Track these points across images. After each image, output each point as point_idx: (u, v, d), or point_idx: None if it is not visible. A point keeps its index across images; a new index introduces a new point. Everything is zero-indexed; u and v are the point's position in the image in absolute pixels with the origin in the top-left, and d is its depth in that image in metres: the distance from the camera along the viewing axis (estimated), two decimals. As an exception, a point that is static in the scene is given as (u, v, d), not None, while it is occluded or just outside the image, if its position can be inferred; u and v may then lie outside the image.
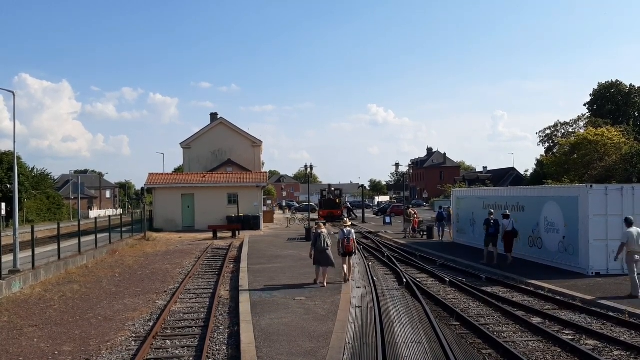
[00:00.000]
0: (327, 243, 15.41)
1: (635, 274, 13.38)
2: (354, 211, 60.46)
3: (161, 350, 9.85)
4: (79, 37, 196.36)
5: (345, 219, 21.34)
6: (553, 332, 10.27)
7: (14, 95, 18.27)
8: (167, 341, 10.44)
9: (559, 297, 13.62)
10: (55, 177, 76.59)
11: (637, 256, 13.38)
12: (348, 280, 15.69)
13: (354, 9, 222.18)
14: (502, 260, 19.44)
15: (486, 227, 20.22)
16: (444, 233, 30.09)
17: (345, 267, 15.78)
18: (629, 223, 13.76)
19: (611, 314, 11.68)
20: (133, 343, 10.38)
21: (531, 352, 9.36)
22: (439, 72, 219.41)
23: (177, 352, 9.76)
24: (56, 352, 9.79)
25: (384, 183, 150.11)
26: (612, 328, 10.82)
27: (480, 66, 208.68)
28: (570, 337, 10.09)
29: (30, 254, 17.84)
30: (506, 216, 19.99)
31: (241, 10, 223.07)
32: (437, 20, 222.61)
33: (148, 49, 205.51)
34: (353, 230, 16.18)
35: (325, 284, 15.05)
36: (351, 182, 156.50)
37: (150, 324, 11.70)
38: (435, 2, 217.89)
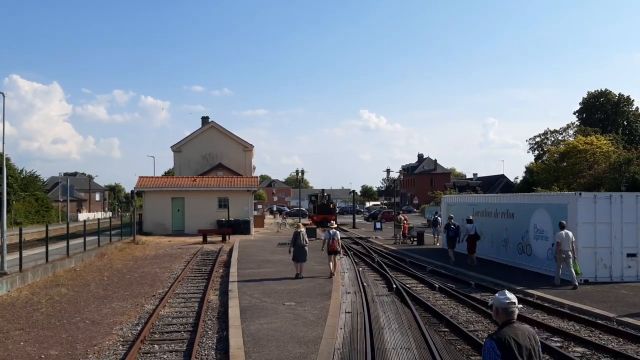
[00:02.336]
0: (305, 240, 17.74)
1: (561, 268, 16.14)
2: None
3: (149, 355, 9.78)
4: (70, 38, 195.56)
5: (332, 221, 21.93)
6: (542, 340, 10.30)
7: (3, 96, 18.18)
8: (155, 346, 10.37)
9: (547, 304, 13.68)
10: (45, 179, 75.92)
11: (564, 255, 15.87)
12: (333, 275, 17.55)
13: (346, 15, 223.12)
14: (463, 260, 21.55)
15: (447, 232, 22.66)
16: (439, 239, 30.12)
17: (331, 264, 17.95)
18: (561, 226, 16.22)
19: (599, 322, 11.75)
20: (121, 347, 10.30)
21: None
22: (431, 80, 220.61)
23: (165, 356, 9.69)
24: (43, 356, 9.69)
25: (375, 189, 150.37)
26: (600, 335, 10.88)
27: (473, 74, 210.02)
28: (559, 344, 10.13)
29: (18, 256, 17.68)
30: (470, 221, 21.79)
31: (235, 15, 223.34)
32: (429, 29, 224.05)
33: (140, 52, 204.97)
34: (338, 232, 18.54)
35: (303, 276, 17.38)
36: (342, 188, 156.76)
37: (139, 328, 11.62)
38: (427, 10, 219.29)
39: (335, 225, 19.49)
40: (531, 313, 12.98)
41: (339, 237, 18.30)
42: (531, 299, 14.34)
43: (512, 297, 4.27)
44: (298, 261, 17.74)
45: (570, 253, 15.82)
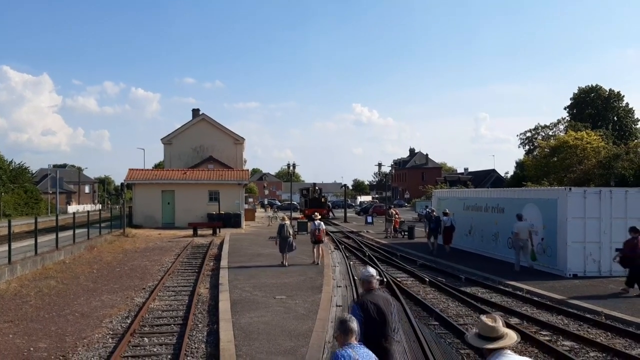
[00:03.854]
0: (289, 232, 18.99)
1: (521, 255, 17.96)
2: (333, 210, 60.44)
3: (139, 348, 9.75)
4: (60, 30, 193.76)
5: (316, 214, 22.58)
6: (530, 333, 10.37)
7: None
8: (145, 339, 10.34)
9: (536, 298, 13.77)
10: (34, 171, 75.34)
11: (521, 244, 17.73)
12: (317, 263, 18.95)
13: (339, 10, 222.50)
14: (442, 251, 22.97)
15: (428, 223, 24.31)
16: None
17: (316, 252, 19.36)
18: (519, 218, 18.15)
19: (588, 316, 11.84)
20: (110, 340, 10.26)
21: (509, 352, 9.43)
22: (424, 74, 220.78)
23: (155, 349, 9.67)
24: (31, 349, 9.63)
25: (366, 183, 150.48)
26: (589, 329, 10.97)
27: (465, 69, 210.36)
28: (547, 338, 10.20)
29: (7, 248, 17.53)
30: (446, 214, 23.54)
31: (228, 8, 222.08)
32: (422, 24, 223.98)
33: (131, 43, 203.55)
34: (322, 223, 20.15)
35: (287, 265, 18.51)
36: (335, 182, 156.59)
37: (128, 321, 11.58)
38: (420, 6, 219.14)
39: (319, 217, 20.97)
40: (520, 307, 13.06)
41: (324, 228, 19.98)
42: (520, 293, 14.42)
43: (373, 272, 5.85)
44: (283, 251, 18.90)
45: (528, 242, 17.72)
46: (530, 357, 9.04)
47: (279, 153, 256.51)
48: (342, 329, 4.42)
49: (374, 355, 4.33)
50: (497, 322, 3.52)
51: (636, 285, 13.98)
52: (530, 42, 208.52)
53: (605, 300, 13.24)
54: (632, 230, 14.42)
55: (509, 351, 3.43)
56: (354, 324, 4.43)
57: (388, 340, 5.44)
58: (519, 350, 9.48)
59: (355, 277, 16.54)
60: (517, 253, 18.12)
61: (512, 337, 3.49)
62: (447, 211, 23.88)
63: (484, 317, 3.63)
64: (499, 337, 3.45)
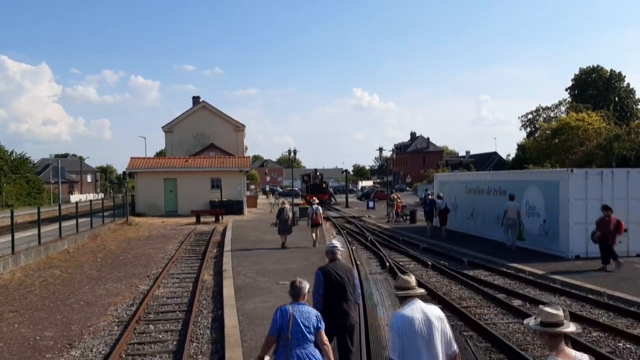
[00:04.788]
0: (288, 215, 20.06)
1: (510, 233, 18.73)
2: (334, 195, 60.50)
3: (144, 335, 9.82)
4: (57, 18, 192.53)
5: (314, 198, 22.87)
6: (533, 314, 10.39)
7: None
8: (151, 326, 10.40)
9: (539, 280, 13.81)
10: (35, 161, 75.36)
11: (510, 222, 18.49)
12: (316, 245, 19.45)
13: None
14: (438, 232, 23.52)
15: (424, 206, 25.61)
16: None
17: (314, 235, 20.06)
18: (510, 198, 18.86)
19: (590, 296, 11.88)
20: (116, 328, 10.32)
21: (512, 333, 9.51)
22: (424, 57, 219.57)
23: (160, 336, 9.73)
24: (37, 338, 9.70)
25: (367, 168, 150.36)
26: (591, 310, 11.01)
27: (466, 51, 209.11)
28: (550, 319, 10.23)
29: (10, 238, 17.60)
30: (440, 197, 24.50)
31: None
32: (421, 7, 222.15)
33: (130, 31, 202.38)
34: (320, 207, 21.14)
35: (287, 247, 19.45)
36: (336, 167, 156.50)
37: (133, 309, 11.64)
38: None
39: (317, 202, 21.82)
40: (523, 289, 13.10)
41: (321, 211, 20.97)
42: (523, 275, 14.46)
43: (337, 244, 6.68)
44: (282, 233, 19.96)
45: (516, 221, 18.50)
46: (533, 339, 9.10)
47: (279, 139, 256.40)
48: (290, 290, 5.38)
49: (314, 311, 5.23)
50: (410, 277, 4.62)
51: (612, 261, 14.64)
52: (531, 24, 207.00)
53: (607, 280, 13.27)
54: (604, 208, 15.00)
55: (418, 300, 4.47)
56: (302, 286, 5.32)
57: (347, 301, 6.27)
58: (521, 331, 9.54)
59: (358, 262, 16.59)
60: (505, 232, 18.99)
61: (421, 290, 4.63)
62: (442, 195, 25.09)
63: (400, 274, 4.72)
64: (411, 289, 4.51)
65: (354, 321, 6.37)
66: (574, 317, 10.32)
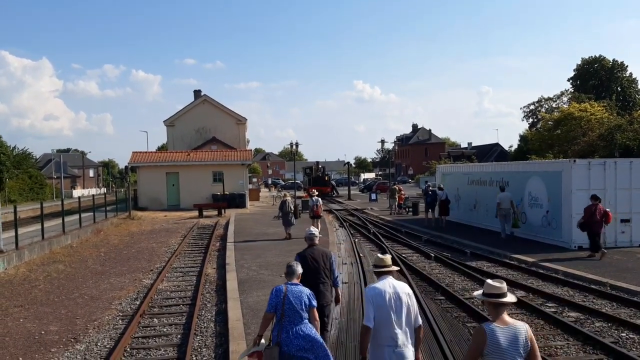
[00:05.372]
0: (290, 207, 20.40)
1: (505, 224, 19.44)
2: (336, 188, 60.52)
3: (149, 328, 9.87)
4: (58, 13, 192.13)
5: (314, 190, 23.57)
6: (536, 305, 10.44)
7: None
8: (155, 319, 10.45)
9: (542, 271, 13.82)
10: (37, 157, 75.50)
11: (504, 213, 19.22)
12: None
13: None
14: (438, 223, 24.33)
15: (425, 197, 26.24)
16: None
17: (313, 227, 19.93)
18: (502, 189, 19.85)
19: (593, 287, 11.89)
20: (120, 322, 10.38)
21: (515, 324, 9.50)
22: (426, 49, 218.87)
23: (164, 329, 9.78)
24: (43, 332, 9.75)
25: (369, 160, 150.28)
26: (594, 300, 11.03)
27: (467, 42, 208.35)
28: (553, 310, 10.27)
29: (14, 234, 17.65)
30: (441, 188, 25.20)
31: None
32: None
33: (130, 25, 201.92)
34: (320, 199, 21.80)
35: (292, 237, 19.84)
36: (338, 160, 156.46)
37: (137, 303, 11.69)
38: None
39: (317, 194, 22.49)
40: (526, 280, 13.13)
41: (321, 203, 21.68)
42: (525, 266, 14.48)
43: (315, 231, 7.38)
44: (285, 225, 20.38)
45: (510, 211, 19.22)
46: (536, 329, 9.12)
47: (281, 132, 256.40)
48: (286, 270, 5.93)
49: (306, 290, 5.74)
50: (386, 256, 5.22)
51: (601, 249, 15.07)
52: (533, 14, 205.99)
53: (610, 271, 13.29)
54: (593, 197, 15.30)
55: (390, 276, 5.08)
56: (296, 268, 5.92)
57: (322, 284, 6.98)
58: (524, 322, 9.55)
59: (361, 254, 16.63)
60: (501, 222, 19.59)
61: (395, 267, 5.33)
62: (442, 186, 25.75)
63: (377, 254, 5.46)
64: (387, 266, 5.13)
65: (329, 300, 7.10)
66: (577, 307, 10.37)
